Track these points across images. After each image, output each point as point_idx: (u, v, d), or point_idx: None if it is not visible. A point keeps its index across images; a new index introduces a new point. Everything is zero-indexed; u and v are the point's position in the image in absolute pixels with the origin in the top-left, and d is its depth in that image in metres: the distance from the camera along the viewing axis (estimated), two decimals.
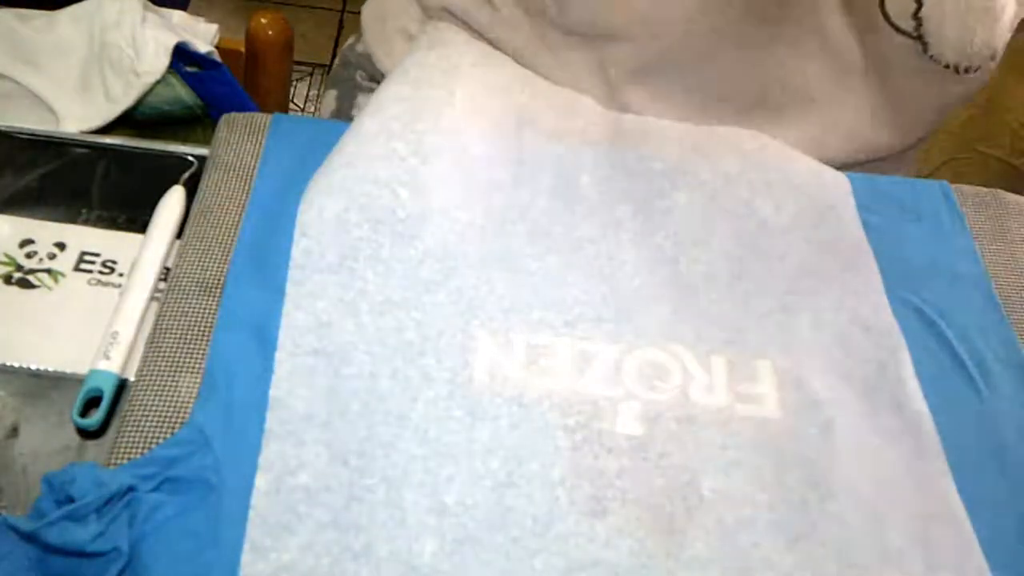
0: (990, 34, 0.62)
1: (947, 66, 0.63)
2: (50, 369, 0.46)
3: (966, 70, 0.63)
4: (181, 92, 0.79)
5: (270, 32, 0.89)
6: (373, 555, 0.39)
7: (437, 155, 0.52)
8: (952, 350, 0.51)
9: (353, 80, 0.76)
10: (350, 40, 0.80)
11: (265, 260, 0.48)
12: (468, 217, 0.51)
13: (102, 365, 0.45)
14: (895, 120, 0.66)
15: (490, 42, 0.61)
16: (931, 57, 0.62)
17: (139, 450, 0.41)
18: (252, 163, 0.53)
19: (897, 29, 0.61)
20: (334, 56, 0.83)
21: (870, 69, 0.64)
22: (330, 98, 0.79)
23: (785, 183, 0.57)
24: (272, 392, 0.43)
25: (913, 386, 0.49)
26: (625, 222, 0.53)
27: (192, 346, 0.45)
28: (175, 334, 0.45)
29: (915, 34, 0.61)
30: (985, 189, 0.60)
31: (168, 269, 0.50)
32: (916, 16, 0.60)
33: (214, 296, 0.47)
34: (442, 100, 0.54)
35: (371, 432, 0.42)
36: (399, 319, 0.46)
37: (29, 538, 0.37)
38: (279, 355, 0.44)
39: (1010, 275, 0.56)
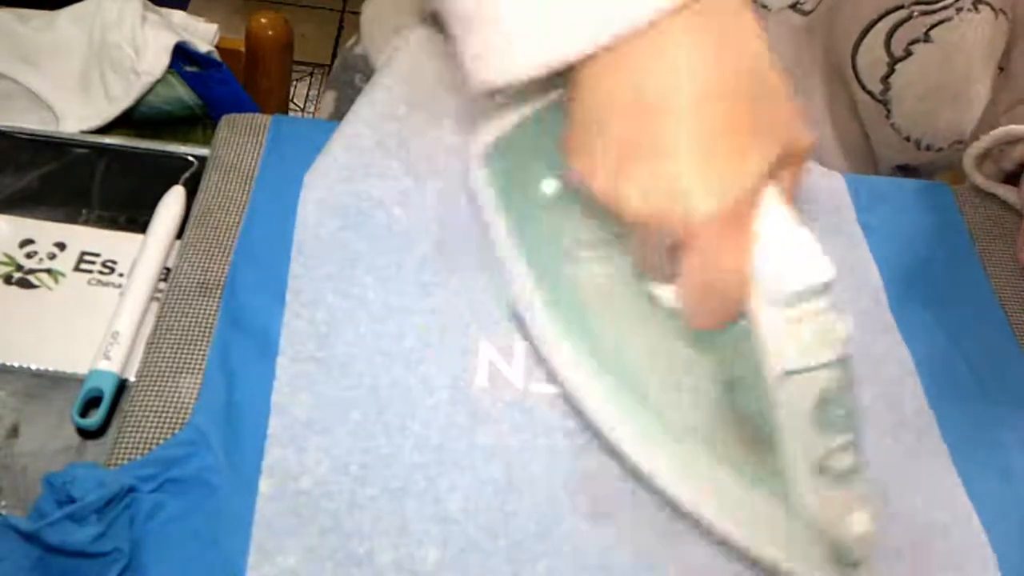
0: (958, 118, 0.60)
1: (907, 138, 0.61)
2: (50, 369, 0.46)
3: (927, 147, 0.61)
4: (181, 92, 0.79)
5: (270, 32, 0.89)
6: (376, 561, 0.39)
7: (431, 176, 0.52)
8: (952, 350, 0.51)
9: (351, 83, 0.76)
10: (349, 42, 0.80)
11: (266, 262, 0.48)
12: (466, 225, 0.51)
13: (102, 365, 0.45)
14: (865, 155, 0.65)
15: None
16: (892, 125, 0.60)
17: (139, 450, 0.41)
18: (252, 164, 0.53)
19: (863, 88, 0.60)
20: (334, 56, 0.83)
21: (838, 115, 0.63)
22: (328, 100, 0.79)
23: None
24: (274, 398, 0.43)
25: (914, 384, 0.49)
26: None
27: (192, 346, 0.45)
28: (175, 334, 0.45)
29: (880, 98, 0.60)
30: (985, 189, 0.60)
31: (168, 269, 0.50)
32: (885, 80, 0.59)
33: (214, 297, 0.47)
34: (434, 120, 0.54)
35: (372, 443, 0.42)
36: (399, 325, 0.46)
37: (30, 538, 0.37)
38: (280, 361, 0.44)
39: (1010, 275, 0.56)
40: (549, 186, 0.45)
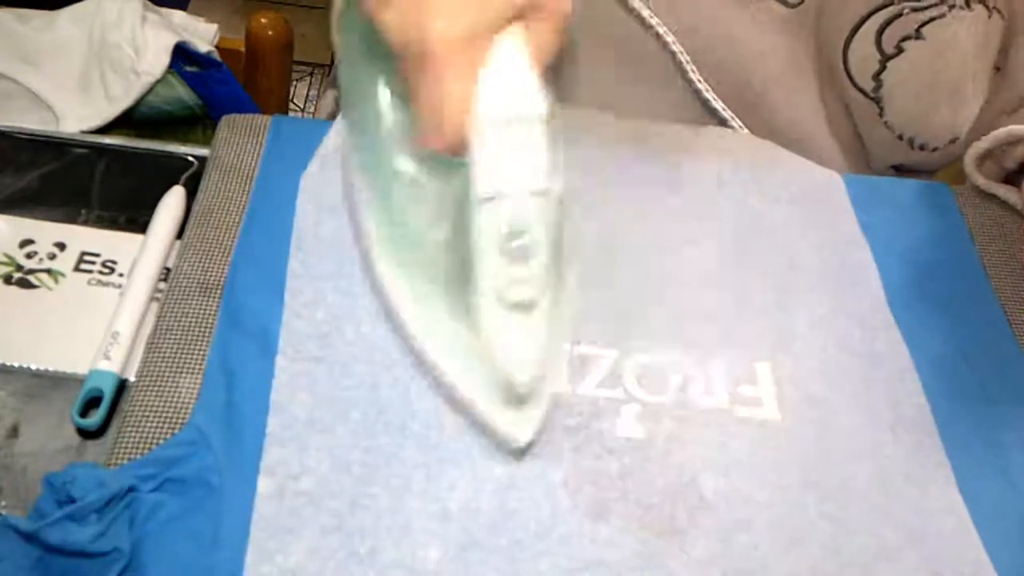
0: (953, 116, 0.59)
1: (900, 137, 0.61)
2: (50, 369, 0.46)
3: (921, 147, 0.61)
4: (181, 92, 0.79)
5: (270, 32, 0.89)
6: (378, 560, 0.39)
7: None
8: (952, 349, 0.51)
9: None
10: None
11: (265, 262, 0.48)
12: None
13: (102, 365, 0.45)
14: (859, 155, 0.65)
15: None
16: (885, 123, 0.60)
17: (139, 450, 0.41)
18: (252, 164, 0.53)
19: (855, 85, 0.59)
20: (334, 56, 0.83)
21: (833, 112, 0.62)
22: (328, 99, 0.79)
23: (777, 183, 0.57)
24: (273, 397, 0.43)
25: (912, 383, 0.49)
26: (620, 225, 0.53)
27: (192, 346, 0.45)
28: (175, 334, 0.45)
29: (872, 95, 0.59)
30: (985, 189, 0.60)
31: (168, 269, 0.50)
32: (877, 77, 0.59)
33: (214, 297, 0.47)
34: None
35: (373, 442, 0.42)
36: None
37: (29, 538, 0.37)
38: (280, 360, 0.44)
39: (1010, 275, 0.56)
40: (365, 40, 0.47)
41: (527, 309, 0.38)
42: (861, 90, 0.59)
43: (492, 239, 0.38)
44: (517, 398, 0.40)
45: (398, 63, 0.40)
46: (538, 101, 0.37)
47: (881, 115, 0.59)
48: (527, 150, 0.37)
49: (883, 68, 0.57)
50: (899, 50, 0.57)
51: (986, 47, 0.58)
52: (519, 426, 0.41)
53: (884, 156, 0.63)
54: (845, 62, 0.59)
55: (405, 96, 0.41)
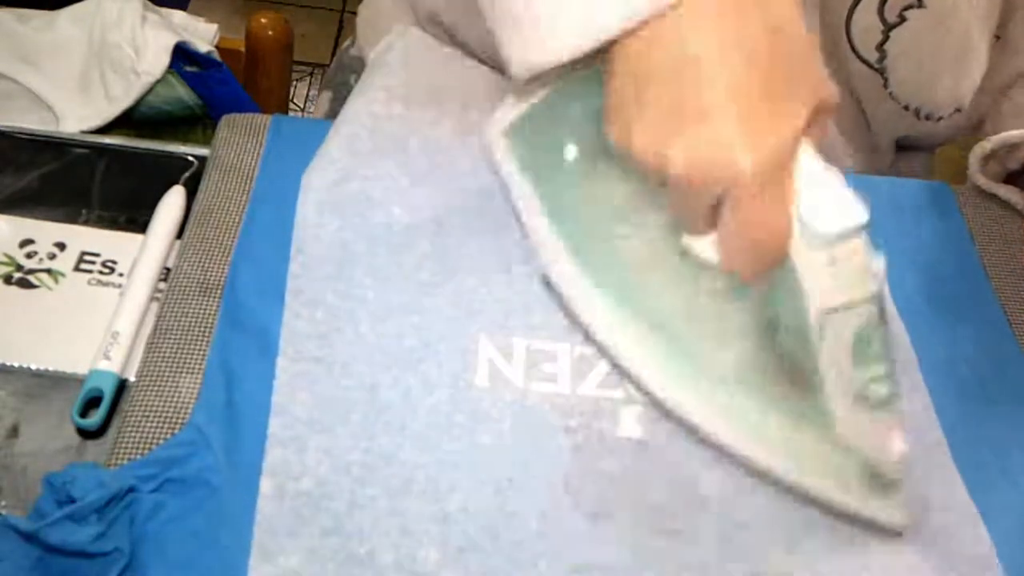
0: (956, 85, 0.59)
1: (906, 107, 0.61)
2: (50, 369, 0.46)
3: (927, 116, 0.61)
4: (181, 92, 0.79)
5: (270, 32, 0.89)
6: (377, 562, 0.39)
7: (429, 175, 0.52)
8: (952, 350, 0.51)
9: (347, 83, 0.76)
10: (346, 43, 0.80)
11: (266, 262, 0.48)
12: (464, 224, 0.51)
13: (102, 365, 0.45)
14: (862, 135, 0.65)
15: (477, 56, 0.61)
16: (890, 94, 0.60)
17: (139, 450, 0.41)
18: (252, 164, 0.53)
19: (859, 57, 0.59)
20: (334, 56, 0.84)
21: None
22: (324, 100, 0.79)
23: None
24: (274, 398, 0.43)
25: (914, 382, 0.49)
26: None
27: (192, 346, 0.45)
28: (175, 334, 0.45)
29: (876, 66, 0.59)
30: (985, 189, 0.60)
31: (168, 269, 0.50)
32: (880, 48, 0.58)
33: (214, 297, 0.47)
34: (431, 120, 0.54)
35: (372, 443, 0.42)
36: (399, 324, 0.46)
37: (30, 538, 0.37)
38: (281, 361, 0.44)
39: (1010, 275, 0.56)
40: (575, 155, 0.47)
41: (885, 403, 0.40)
42: (865, 61, 0.59)
43: (839, 348, 0.39)
44: (885, 487, 0.42)
45: (680, 192, 0.39)
46: (858, 210, 0.37)
47: (886, 86, 0.60)
48: (856, 260, 0.38)
49: (886, 38, 0.57)
50: (902, 19, 0.57)
51: (987, 13, 0.58)
52: (893, 511, 0.43)
53: (890, 129, 0.63)
54: (848, 34, 0.58)
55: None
